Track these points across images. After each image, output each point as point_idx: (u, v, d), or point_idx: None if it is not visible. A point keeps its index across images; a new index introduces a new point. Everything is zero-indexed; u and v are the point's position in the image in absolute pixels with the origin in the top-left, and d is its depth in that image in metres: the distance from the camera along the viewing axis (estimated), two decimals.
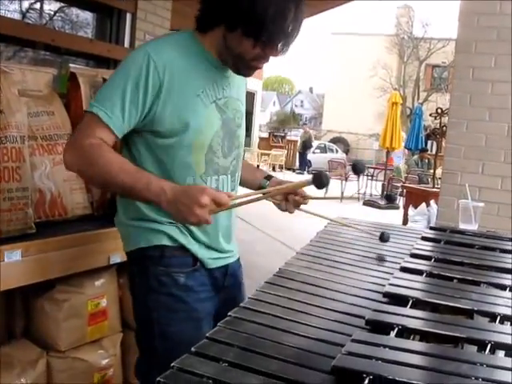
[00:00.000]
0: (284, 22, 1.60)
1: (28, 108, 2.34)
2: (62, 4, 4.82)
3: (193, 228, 1.75)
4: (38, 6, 4.84)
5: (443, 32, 31.80)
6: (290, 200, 1.96)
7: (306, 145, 24.36)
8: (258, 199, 1.67)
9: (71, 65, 2.79)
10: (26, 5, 4.66)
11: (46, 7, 4.81)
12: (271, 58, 1.72)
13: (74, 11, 4.90)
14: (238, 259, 2.00)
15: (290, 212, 1.98)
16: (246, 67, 1.75)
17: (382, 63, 32.97)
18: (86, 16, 4.95)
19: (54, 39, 4.05)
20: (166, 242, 1.75)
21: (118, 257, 2.49)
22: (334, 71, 36.61)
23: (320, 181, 1.51)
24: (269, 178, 2.07)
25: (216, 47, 1.73)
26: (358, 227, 2.33)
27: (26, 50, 4.41)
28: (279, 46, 1.65)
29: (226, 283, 1.90)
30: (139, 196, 1.61)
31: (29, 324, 2.44)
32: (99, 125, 1.62)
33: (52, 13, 4.88)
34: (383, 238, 2.14)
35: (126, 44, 4.74)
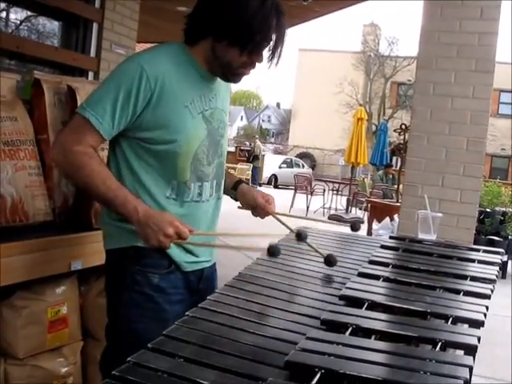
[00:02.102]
0: (268, 31, 1.74)
1: None
2: (29, 13, 4.79)
3: None
4: (3, 15, 4.79)
5: (409, 50, 32.49)
6: (257, 210, 2.11)
7: (248, 155, 23.71)
8: (214, 246, 2.01)
9: (35, 71, 2.77)
10: None
11: (12, 16, 4.77)
12: (258, 65, 1.84)
13: (41, 21, 4.87)
14: (214, 264, 2.07)
15: (262, 218, 2.13)
16: (235, 75, 1.86)
17: (349, 80, 33.40)
18: (53, 26, 4.92)
19: (19, 46, 4.02)
20: (143, 244, 1.79)
21: (80, 264, 2.48)
22: (301, 87, 36.97)
23: (272, 252, 1.73)
24: (236, 186, 2.16)
25: (205, 58, 1.83)
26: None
27: None
28: (264, 52, 1.79)
29: (201, 286, 1.95)
30: (115, 210, 1.75)
31: None
32: (89, 129, 1.72)
33: (18, 22, 4.84)
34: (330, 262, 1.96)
35: (92, 53, 4.73)
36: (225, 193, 2.13)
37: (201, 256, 1.95)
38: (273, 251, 1.73)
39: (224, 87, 1.98)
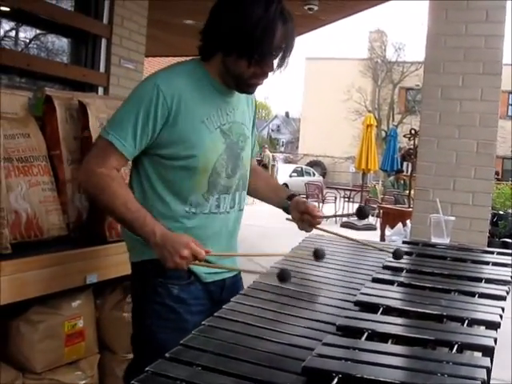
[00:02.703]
0: (272, 40, 1.73)
1: (4, 130, 2.35)
2: (38, 31, 4.84)
3: None
4: (13, 33, 4.85)
5: (416, 55, 32.45)
6: (305, 220, 2.12)
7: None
8: (227, 267, 1.98)
9: (47, 88, 2.81)
10: (1, 33, 4.67)
11: (22, 35, 4.82)
12: (270, 74, 1.84)
13: (50, 38, 4.92)
14: (239, 273, 2.09)
15: (307, 231, 2.16)
16: (247, 86, 1.88)
17: (357, 87, 33.38)
18: (62, 43, 4.96)
19: (29, 64, 4.06)
20: None
21: (95, 277, 2.49)
22: (310, 95, 36.99)
23: (282, 275, 1.71)
24: (291, 197, 2.18)
25: (218, 72, 1.86)
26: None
27: (1, 77, 4.40)
28: (274, 61, 1.79)
29: (224, 296, 1.95)
30: (134, 231, 1.79)
31: (4, 345, 2.42)
32: (113, 152, 1.79)
33: (28, 40, 4.90)
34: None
35: (102, 69, 4.76)
36: (275, 204, 2.21)
37: (222, 267, 1.97)
38: (283, 276, 1.71)
39: (244, 101, 2.02)
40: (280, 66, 1.81)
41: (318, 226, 2.14)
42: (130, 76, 4.89)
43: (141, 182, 1.90)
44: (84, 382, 2.55)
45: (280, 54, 1.79)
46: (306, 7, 7.08)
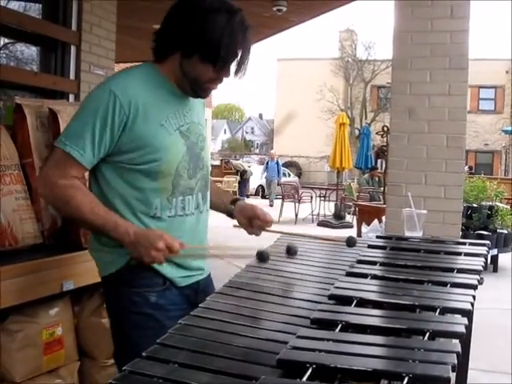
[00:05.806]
0: (234, 48, 1.77)
1: None
2: (6, 40, 4.80)
3: None
4: None
5: (386, 54, 32.52)
6: (254, 225, 2.09)
7: (240, 174, 23.79)
8: (205, 256, 1.99)
9: (16, 96, 2.80)
10: None
11: None
12: (225, 79, 1.87)
13: (19, 47, 4.89)
14: (209, 275, 2.09)
15: (257, 235, 2.10)
16: (202, 89, 1.89)
17: (329, 86, 33.52)
18: (31, 52, 4.93)
19: None
20: (135, 263, 1.82)
21: (71, 284, 2.49)
22: (282, 96, 37.06)
23: (261, 257, 1.80)
24: (234, 202, 2.16)
25: (173, 74, 1.86)
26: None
27: None
28: (231, 68, 1.82)
29: (199, 299, 1.94)
30: (107, 235, 1.79)
31: None
32: (72, 162, 1.77)
33: None
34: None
35: (72, 76, 4.74)
36: (220, 210, 2.17)
37: (192, 269, 1.97)
38: (262, 256, 1.78)
39: (197, 101, 2.00)
40: (238, 73, 1.84)
41: (270, 228, 2.10)
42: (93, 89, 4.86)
43: (101, 189, 1.87)
44: None
45: (236, 61, 1.81)
46: (274, 8, 7.12)
